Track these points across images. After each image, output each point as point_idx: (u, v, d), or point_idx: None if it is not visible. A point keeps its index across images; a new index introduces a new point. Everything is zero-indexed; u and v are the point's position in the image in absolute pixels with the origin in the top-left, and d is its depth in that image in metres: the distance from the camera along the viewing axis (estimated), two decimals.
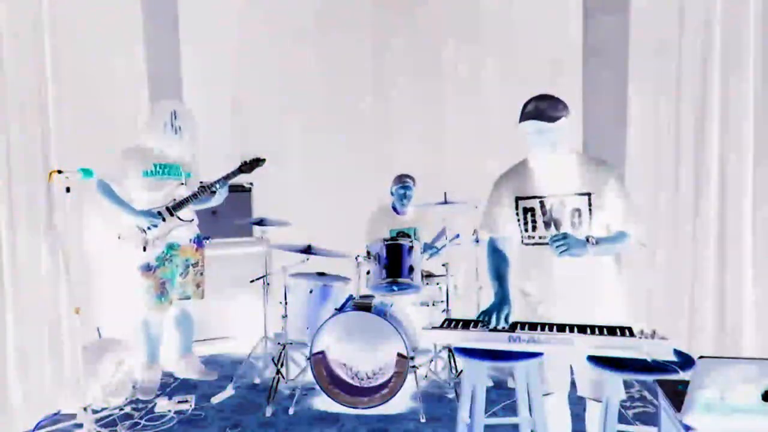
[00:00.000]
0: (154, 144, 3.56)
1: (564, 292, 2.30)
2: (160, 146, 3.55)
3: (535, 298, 2.37)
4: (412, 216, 4.22)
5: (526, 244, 2.37)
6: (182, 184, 3.62)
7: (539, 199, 2.32)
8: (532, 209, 2.33)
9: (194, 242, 3.75)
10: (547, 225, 2.31)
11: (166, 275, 3.61)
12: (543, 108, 2.23)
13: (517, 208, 2.36)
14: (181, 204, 3.57)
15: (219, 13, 4.97)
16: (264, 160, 3.66)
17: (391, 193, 4.20)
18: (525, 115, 2.25)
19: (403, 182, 4.14)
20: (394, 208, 4.21)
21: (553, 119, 2.22)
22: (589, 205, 2.26)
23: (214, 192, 3.60)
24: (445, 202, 3.68)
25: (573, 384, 2.40)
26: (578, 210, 2.27)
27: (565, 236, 2.18)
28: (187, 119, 3.61)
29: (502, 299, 2.28)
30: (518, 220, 2.36)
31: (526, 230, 2.35)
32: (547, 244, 2.24)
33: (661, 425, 1.89)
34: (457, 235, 3.90)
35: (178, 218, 3.59)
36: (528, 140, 2.28)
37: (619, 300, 2.38)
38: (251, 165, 3.64)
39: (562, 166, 2.31)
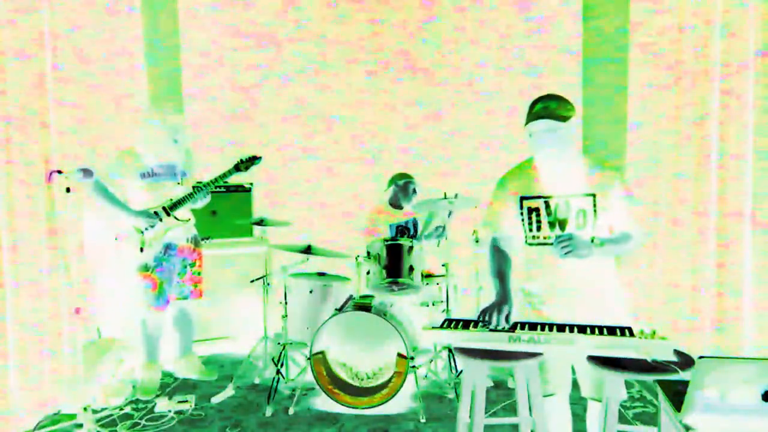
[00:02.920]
0: (150, 155, 3.53)
1: (567, 292, 2.29)
2: (156, 156, 3.54)
3: (537, 299, 2.37)
4: (411, 209, 4.21)
5: (530, 244, 2.36)
6: (179, 184, 3.62)
7: (544, 200, 2.31)
8: (537, 209, 2.32)
9: (191, 242, 3.75)
10: (551, 225, 2.31)
11: (164, 275, 3.61)
12: (554, 107, 2.22)
13: (521, 208, 2.35)
14: (177, 204, 3.57)
15: (219, 13, 4.98)
16: (260, 158, 3.67)
17: (396, 187, 4.15)
18: (534, 114, 2.24)
19: (409, 177, 4.12)
20: (392, 204, 4.20)
21: (564, 118, 2.21)
22: (594, 206, 2.26)
23: (211, 192, 3.60)
24: (445, 198, 3.68)
25: (574, 384, 2.40)
26: (583, 211, 2.27)
27: (570, 237, 2.18)
28: (185, 132, 3.62)
29: (502, 298, 2.28)
30: (522, 220, 2.35)
31: (531, 230, 2.34)
32: (551, 244, 2.23)
33: (661, 425, 1.89)
34: (444, 227, 3.88)
35: (175, 218, 3.59)
36: (536, 140, 2.26)
37: (620, 300, 2.38)
38: (247, 163, 3.64)
39: (568, 167, 2.30)
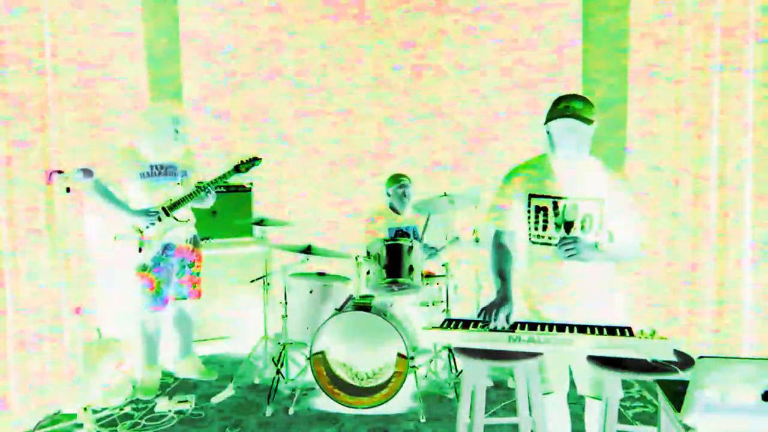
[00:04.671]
0: (149, 147, 3.54)
1: (567, 292, 2.29)
2: (155, 149, 3.54)
3: (538, 298, 2.37)
4: (411, 215, 4.22)
5: (534, 243, 2.36)
6: (178, 184, 3.62)
7: (553, 200, 2.31)
8: (545, 209, 2.31)
9: (191, 243, 3.74)
10: (557, 226, 2.30)
11: (162, 276, 3.61)
12: (579, 108, 2.21)
13: (529, 205, 2.34)
14: (177, 204, 3.57)
15: (219, 13, 4.97)
16: (260, 159, 3.66)
17: (388, 194, 4.18)
18: (559, 113, 2.22)
19: (400, 182, 4.12)
20: (392, 208, 4.21)
21: (587, 121, 2.21)
22: (601, 211, 2.26)
23: (209, 192, 3.60)
24: (445, 195, 3.69)
25: (573, 383, 2.40)
26: (590, 215, 2.27)
27: (575, 240, 2.18)
28: (183, 123, 3.62)
29: (503, 297, 2.27)
30: (528, 218, 2.35)
31: (536, 229, 2.34)
32: (555, 245, 2.23)
33: (661, 425, 1.90)
34: (456, 238, 3.90)
35: (174, 218, 3.59)
36: (555, 138, 2.26)
37: (620, 300, 2.38)
38: (247, 165, 3.64)
39: (581, 170, 2.30)
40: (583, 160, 2.29)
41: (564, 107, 2.22)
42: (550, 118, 2.25)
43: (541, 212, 2.32)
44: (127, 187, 3.55)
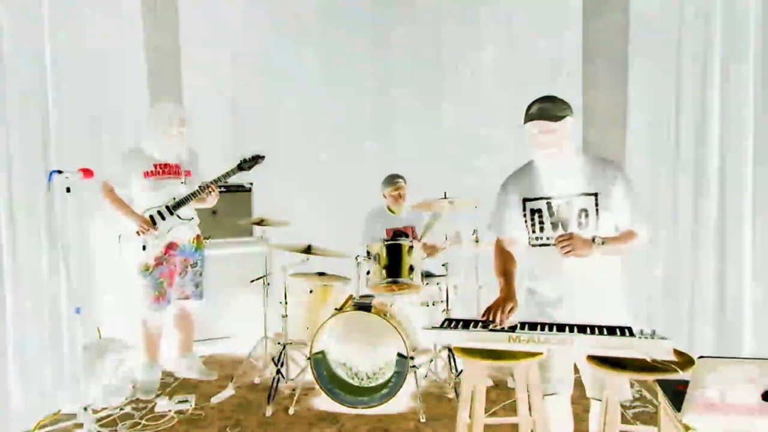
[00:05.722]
0: (154, 147, 3.56)
1: (572, 292, 2.29)
2: (159, 148, 3.56)
3: (543, 298, 2.37)
4: (408, 215, 4.22)
5: (533, 245, 2.37)
6: (182, 183, 3.62)
7: (546, 200, 2.32)
8: (539, 210, 2.33)
9: (194, 242, 3.74)
10: (554, 226, 2.31)
11: (165, 275, 3.61)
12: (547, 108, 2.23)
13: (524, 209, 2.36)
14: (180, 203, 3.58)
15: (219, 13, 4.97)
16: (263, 157, 3.68)
17: (384, 196, 4.20)
18: (529, 116, 2.26)
19: (395, 183, 4.13)
20: (389, 209, 4.21)
21: (558, 118, 2.22)
22: (596, 205, 2.26)
23: (212, 190, 3.61)
24: (445, 198, 3.69)
25: (575, 384, 2.39)
26: (585, 210, 2.27)
27: (570, 236, 2.18)
28: (187, 123, 3.62)
29: (507, 295, 2.29)
30: (525, 222, 2.36)
31: (534, 231, 2.35)
32: (554, 245, 2.24)
33: (661, 425, 1.89)
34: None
35: (178, 217, 3.59)
36: (533, 141, 2.28)
37: (622, 300, 2.38)
38: (250, 163, 3.65)
39: (569, 167, 2.31)
40: (567, 157, 2.30)
41: (534, 111, 2.26)
42: (525, 122, 2.29)
43: (536, 214, 2.34)
44: (131, 185, 3.55)
